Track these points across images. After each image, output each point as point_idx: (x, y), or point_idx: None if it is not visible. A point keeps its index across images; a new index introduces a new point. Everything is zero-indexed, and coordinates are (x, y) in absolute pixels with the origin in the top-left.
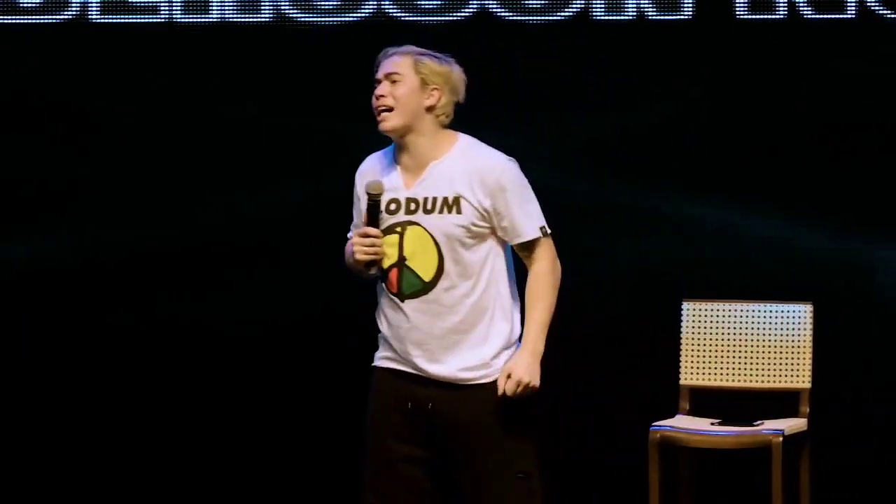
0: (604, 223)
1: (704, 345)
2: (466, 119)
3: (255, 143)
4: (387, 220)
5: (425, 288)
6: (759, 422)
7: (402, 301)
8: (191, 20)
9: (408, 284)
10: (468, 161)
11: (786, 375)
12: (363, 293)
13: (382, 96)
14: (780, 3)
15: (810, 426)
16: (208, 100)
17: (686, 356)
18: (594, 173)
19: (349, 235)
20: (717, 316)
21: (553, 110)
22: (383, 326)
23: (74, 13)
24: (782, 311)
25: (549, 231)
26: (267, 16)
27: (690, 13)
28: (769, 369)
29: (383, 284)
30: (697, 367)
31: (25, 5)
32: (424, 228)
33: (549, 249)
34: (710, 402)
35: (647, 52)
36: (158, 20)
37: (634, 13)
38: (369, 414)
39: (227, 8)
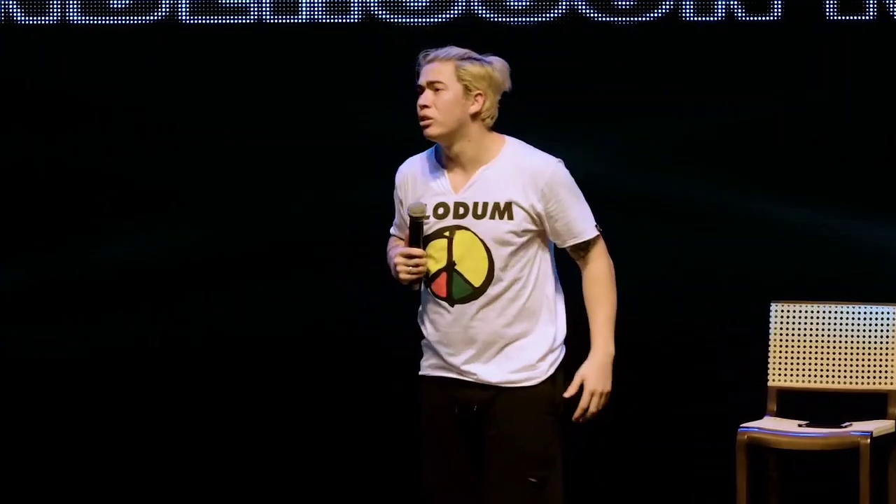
0: (693, 224)
1: (793, 346)
2: (553, 116)
3: (344, 143)
4: (434, 225)
5: (475, 293)
6: (846, 423)
7: (452, 306)
8: (280, 21)
9: (458, 289)
10: (519, 165)
11: (874, 377)
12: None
13: (426, 106)
14: (869, 3)
15: None
16: (297, 100)
17: (774, 358)
18: (684, 174)
19: (392, 231)
20: (806, 317)
21: (641, 111)
22: (428, 331)
23: (164, 14)
24: (871, 313)
25: (601, 229)
26: (356, 16)
27: (779, 14)
28: (857, 371)
29: (429, 289)
30: (786, 369)
31: (116, 6)
32: (474, 233)
33: (604, 248)
34: (797, 403)
35: (737, 53)
36: (248, 21)
37: (724, 14)
38: (423, 424)
39: (316, 8)
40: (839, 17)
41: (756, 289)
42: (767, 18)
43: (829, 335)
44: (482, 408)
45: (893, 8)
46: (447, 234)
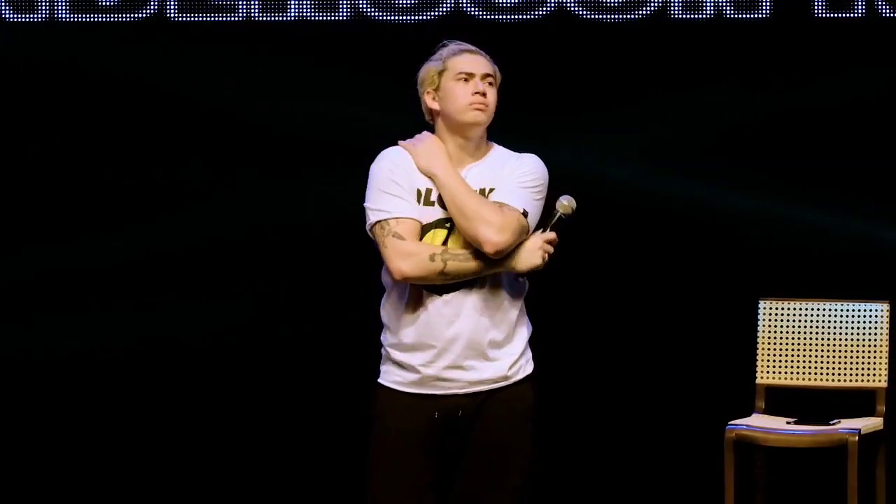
0: (681, 220)
1: (781, 343)
2: (540, 114)
3: (328, 139)
4: (434, 214)
5: (469, 283)
6: (835, 421)
7: (441, 295)
8: (269, 18)
9: None
10: (507, 162)
11: (862, 374)
12: None
13: (486, 94)
14: (857, 1)
15: (886, 425)
16: (284, 97)
17: (762, 355)
18: (672, 171)
19: (400, 214)
20: (794, 314)
21: (628, 109)
22: (407, 332)
23: (153, 11)
24: (859, 310)
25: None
26: (345, 13)
27: (768, 12)
28: (846, 368)
29: (412, 286)
30: (774, 366)
31: (104, 3)
32: None
33: (516, 222)
34: (786, 400)
35: (725, 51)
36: (236, 18)
37: (712, 12)
38: (386, 436)
39: (305, 6)
40: (828, 15)
41: (744, 285)
42: (756, 16)
43: (817, 332)
44: (467, 413)
45: (882, 5)
46: (448, 224)
